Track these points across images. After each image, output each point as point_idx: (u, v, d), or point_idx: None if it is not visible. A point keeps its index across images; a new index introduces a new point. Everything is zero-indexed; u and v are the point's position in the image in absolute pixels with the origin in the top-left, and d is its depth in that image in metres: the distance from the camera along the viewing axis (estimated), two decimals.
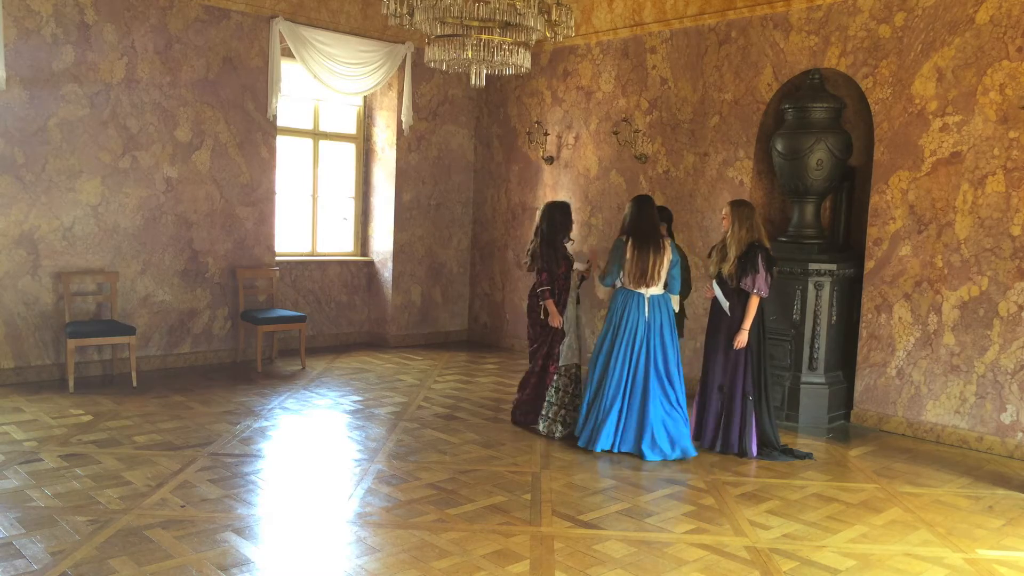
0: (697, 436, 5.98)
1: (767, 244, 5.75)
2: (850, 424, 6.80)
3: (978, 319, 6.13)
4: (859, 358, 6.77)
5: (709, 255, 6.07)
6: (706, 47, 7.71)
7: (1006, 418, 6.00)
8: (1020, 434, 5.95)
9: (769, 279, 5.68)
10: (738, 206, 5.76)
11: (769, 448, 5.82)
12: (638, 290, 5.71)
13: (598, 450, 5.68)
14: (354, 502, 4.64)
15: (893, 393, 6.58)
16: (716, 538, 4.33)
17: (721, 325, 5.84)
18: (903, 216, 6.51)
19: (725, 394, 5.83)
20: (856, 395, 6.80)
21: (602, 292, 5.80)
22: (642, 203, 5.81)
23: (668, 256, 5.72)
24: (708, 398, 5.93)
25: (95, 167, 7.36)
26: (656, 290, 5.73)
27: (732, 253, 5.69)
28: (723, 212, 5.87)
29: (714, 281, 5.84)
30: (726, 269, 5.72)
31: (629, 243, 5.69)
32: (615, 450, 5.70)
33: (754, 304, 5.68)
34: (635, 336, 5.71)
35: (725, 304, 5.79)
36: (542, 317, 6.16)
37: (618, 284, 5.82)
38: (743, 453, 5.78)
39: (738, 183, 7.50)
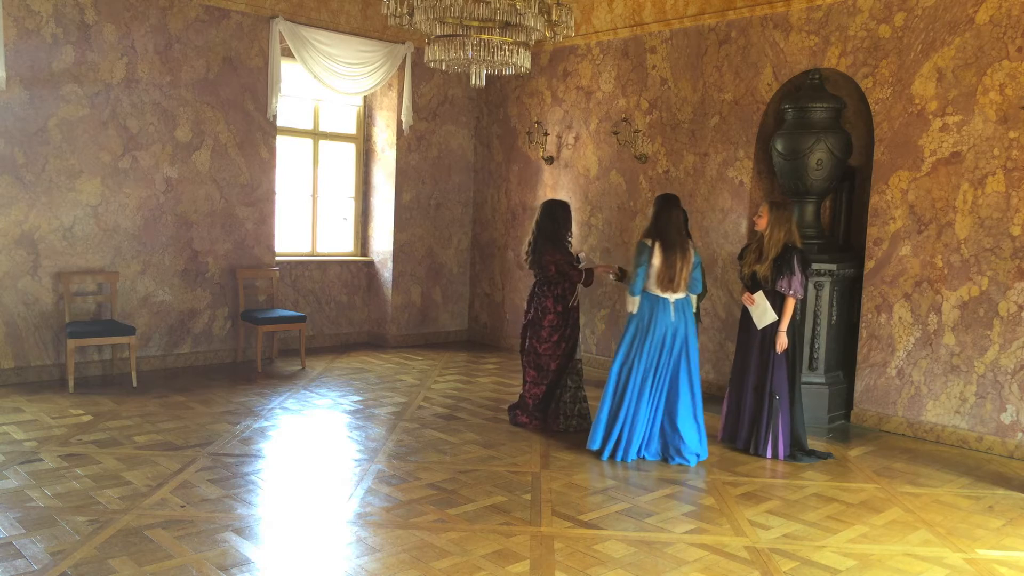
0: (732, 438, 5.96)
1: (800, 245, 5.70)
2: (850, 424, 6.80)
3: (978, 319, 6.13)
4: (859, 358, 6.77)
5: (740, 256, 6.00)
6: (706, 47, 7.71)
7: (1006, 418, 6.00)
8: (1020, 434, 5.95)
9: (804, 281, 5.66)
10: (777, 207, 5.68)
11: (796, 450, 5.79)
12: (664, 295, 5.57)
13: (630, 460, 5.55)
14: (354, 502, 4.64)
15: (893, 393, 6.58)
16: (716, 538, 4.33)
17: (755, 326, 5.78)
18: (903, 216, 6.51)
19: (758, 395, 5.80)
20: (856, 395, 6.80)
21: (633, 304, 5.60)
22: (669, 203, 5.62)
23: (692, 259, 5.61)
24: (743, 399, 5.86)
25: (95, 167, 7.36)
26: (680, 294, 5.60)
27: (770, 255, 5.64)
28: (760, 211, 5.78)
29: (760, 292, 5.71)
30: (761, 271, 5.67)
31: (656, 247, 5.51)
32: (641, 457, 5.65)
33: (791, 306, 5.66)
34: (663, 342, 5.56)
35: (765, 318, 5.66)
36: (572, 305, 6.18)
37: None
38: (773, 455, 5.75)
39: (738, 183, 7.50)
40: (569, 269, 6.13)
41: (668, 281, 5.50)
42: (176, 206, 7.88)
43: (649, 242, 5.53)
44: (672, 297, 5.57)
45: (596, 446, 5.64)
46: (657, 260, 5.49)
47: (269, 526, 4.30)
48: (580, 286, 6.22)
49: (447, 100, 9.83)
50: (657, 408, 5.61)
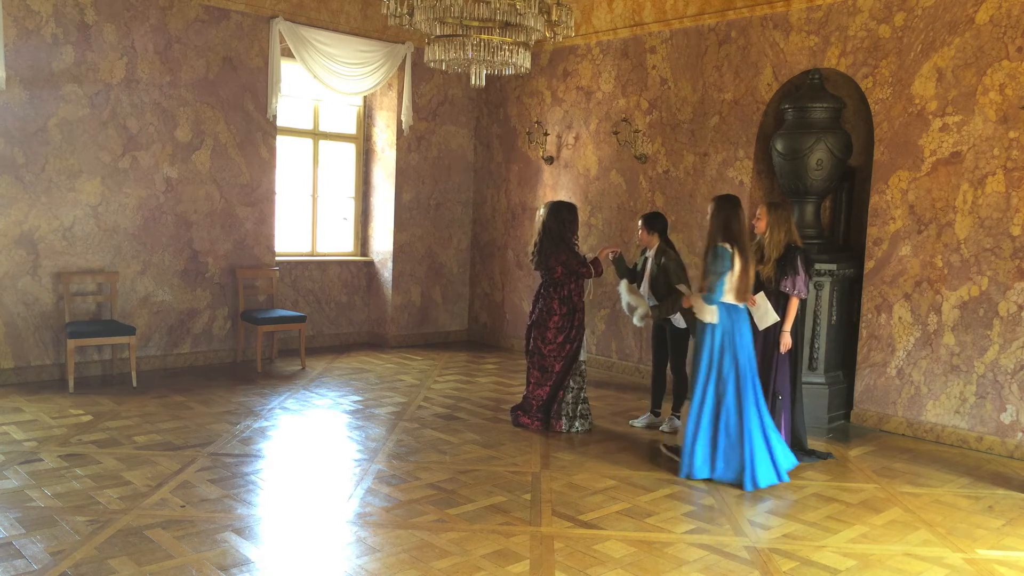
0: None
1: (800, 244, 5.64)
2: (850, 424, 6.80)
3: (978, 319, 6.13)
4: (859, 358, 6.77)
5: None
6: (706, 47, 7.71)
7: (1006, 418, 6.00)
8: (1020, 434, 5.95)
9: (808, 280, 5.62)
10: (775, 209, 5.58)
11: (797, 450, 5.75)
12: (738, 302, 5.25)
13: (764, 487, 5.11)
14: (354, 502, 4.64)
15: (893, 393, 6.58)
16: (716, 538, 4.33)
17: (757, 328, 5.77)
18: (903, 216, 6.51)
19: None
20: (856, 395, 6.80)
21: (713, 314, 5.23)
22: (735, 204, 5.29)
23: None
24: None
25: (95, 167, 7.36)
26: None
27: (773, 256, 5.58)
28: (758, 213, 5.71)
29: (761, 293, 5.62)
30: (764, 272, 5.61)
31: (736, 253, 5.18)
32: (780, 480, 5.23)
33: (794, 306, 5.62)
34: (751, 352, 5.27)
35: (766, 319, 5.56)
36: (588, 299, 6.21)
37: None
38: None
39: (738, 183, 7.50)
40: (579, 267, 6.14)
41: (744, 290, 5.21)
42: (176, 206, 7.87)
43: (730, 247, 5.18)
44: (742, 304, 5.33)
45: (705, 475, 5.20)
46: (737, 267, 5.18)
47: (269, 526, 4.30)
48: (591, 281, 6.25)
49: (447, 100, 9.83)
50: (766, 422, 5.28)
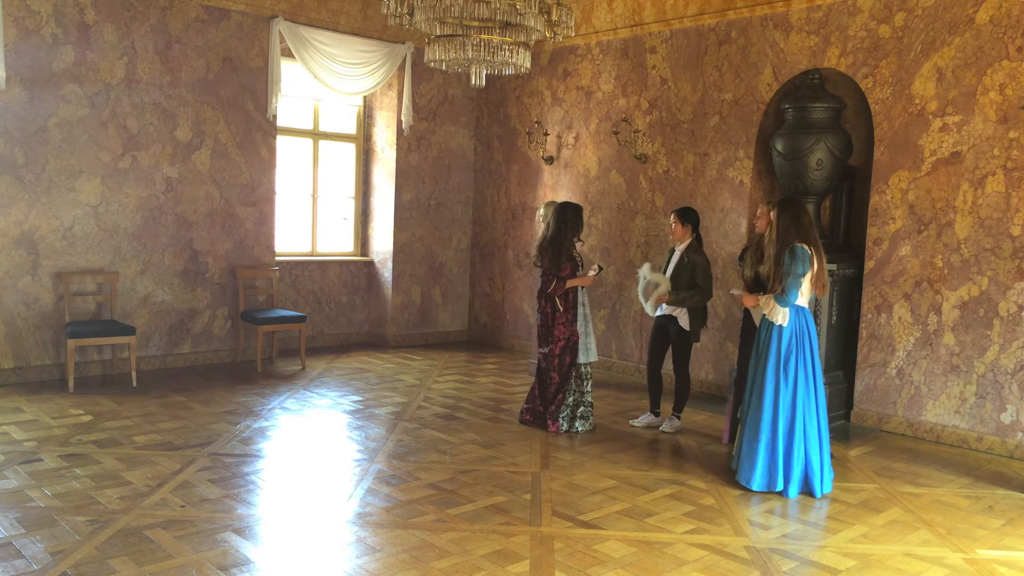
0: (732, 438, 5.91)
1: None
2: (850, 424, 6.80)
3: (978, 319, 6.13)
4: (859, 358, 6.77)
5: (741, 257, 5.91)
6: (706, 47, 7.71)
7: (1006, 418, 6.00)
8: (1020, 434, 5.95)
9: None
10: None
11: None
12: (804, 304, 5.11)
13: (829, 490, 5.09)
14: (354, 502, 4.64)
15: (893, 393, 6.58)
16: (716, 538, 4.33)
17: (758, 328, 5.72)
18: (903, 216, 6.51)
19: None
20: (856, 395, 6.80)
21: (785, 317, 5.06)
22: (800, 203, 5.16)
23: None
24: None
25: (95, 167, 7.36)
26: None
27: (771, 252, 5.53)
28: (759, 212, 5.66)
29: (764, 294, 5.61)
30: (765, 271, 5.58)
31: (813, 253, 5.05)
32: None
33: None
34: (817, 354, 5.15)
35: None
36: (561, 309, 6.14)
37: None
38: None
39: (738, 183, 7.50)
40: (548, 280, 6.12)
41: (821, 288, 5.11)
42: (176, 206, 7.87)
43: (809, 248, 5.03)
44: (807, 304, 5.20)
45: (787, 489, 5.03)
46: (815, 267, 5.05)
47: (269, 526, 4.30)
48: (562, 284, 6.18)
49: (447, 100, 9.83)
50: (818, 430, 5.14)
